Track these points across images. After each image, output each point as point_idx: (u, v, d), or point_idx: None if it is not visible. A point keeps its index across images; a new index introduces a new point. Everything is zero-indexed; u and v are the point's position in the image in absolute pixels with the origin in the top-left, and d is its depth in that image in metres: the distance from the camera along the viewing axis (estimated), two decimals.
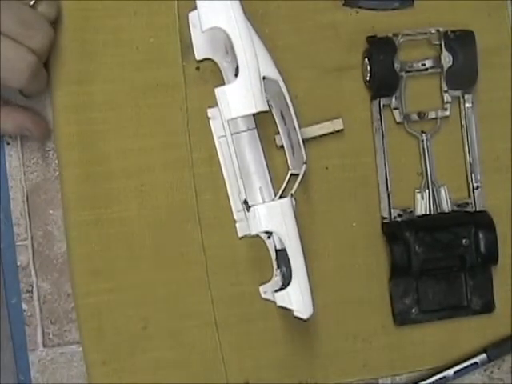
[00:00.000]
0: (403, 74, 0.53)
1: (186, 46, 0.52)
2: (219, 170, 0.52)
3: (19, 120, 0.49)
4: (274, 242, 0.52)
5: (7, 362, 0.49)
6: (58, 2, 0.49)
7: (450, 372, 0.53)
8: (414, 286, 0.53)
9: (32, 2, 0.46)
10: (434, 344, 0.54)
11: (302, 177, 0.48)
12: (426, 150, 0.54)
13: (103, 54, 0.51)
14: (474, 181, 0.54)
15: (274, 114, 0.52)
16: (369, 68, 0.52)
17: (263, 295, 0.52)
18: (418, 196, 0.54)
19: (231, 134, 0.45)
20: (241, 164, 0.48)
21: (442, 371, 0.53)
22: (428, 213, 0.54)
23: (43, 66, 0.48)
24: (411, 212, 0.54)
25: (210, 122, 0.52)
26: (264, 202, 0.51)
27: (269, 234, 0.51)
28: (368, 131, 0.54)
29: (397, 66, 0.52)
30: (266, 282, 0.52)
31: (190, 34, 0.52)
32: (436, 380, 0.53)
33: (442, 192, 0.54)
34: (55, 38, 0.48)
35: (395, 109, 0.54)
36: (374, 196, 0.54)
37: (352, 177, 0.53)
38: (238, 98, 0.44)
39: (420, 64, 0.54)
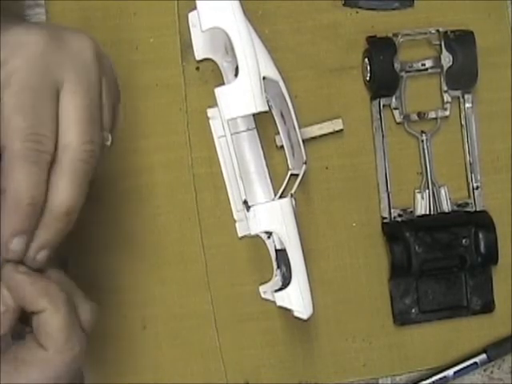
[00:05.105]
0: (403, 73, 0.53)
1: (186, 46, 0.52)
2: (219, 170, 0.52)
3: None
4: (273, 242, 0.52)
5: None
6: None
7: (450, 372, 0.53)
8: (414, 286, 0.53)
9: None
10: (433, 344, 0.54)
11: (302, 177, 0.48)
12: (425, 150, 0.54)
13: None
14: (473, 181, 0.54)
15: (274, 114, 0.52)
16: (369, 68, 0.52)
17: (263, 295, 0.52)
18: (418, 196, 0.54)
19: (231, 134, 0.45)
20: (241, 164, 0.48)
21: (442, 371, 0.53)
22: (428, 213, 0.54)
23: None
24: (411, 212, 0.54)
25: (210, 122, 0.52)
26: (264, 202, 0.51)
27: (269, 234, 0.51)
28: (368, 131, 0.54)
29: (397, 65, 0.52)
30: (266, 282, 0.52)
31: (189, 33, 0.52)
32: (436, 380, 0.53)
33: (442, 192, 0.54)
34: None
35: (395, 109, 0.54)
36: (374, 196, 0.54)
37: (352, 177, 0.53)
38: (238, 98, 0.44)
39: (420, 64, 0.54)
